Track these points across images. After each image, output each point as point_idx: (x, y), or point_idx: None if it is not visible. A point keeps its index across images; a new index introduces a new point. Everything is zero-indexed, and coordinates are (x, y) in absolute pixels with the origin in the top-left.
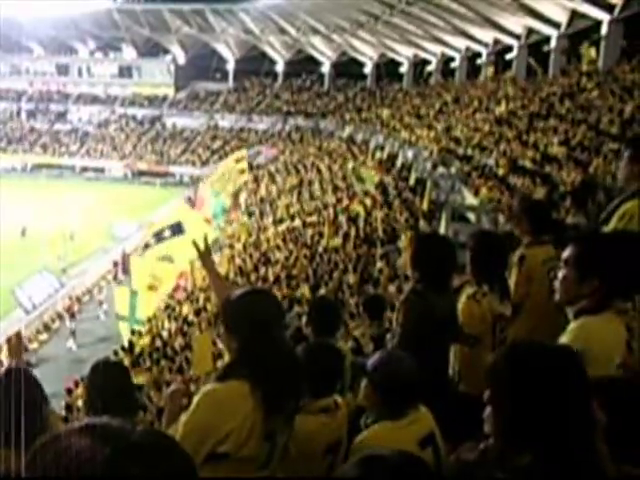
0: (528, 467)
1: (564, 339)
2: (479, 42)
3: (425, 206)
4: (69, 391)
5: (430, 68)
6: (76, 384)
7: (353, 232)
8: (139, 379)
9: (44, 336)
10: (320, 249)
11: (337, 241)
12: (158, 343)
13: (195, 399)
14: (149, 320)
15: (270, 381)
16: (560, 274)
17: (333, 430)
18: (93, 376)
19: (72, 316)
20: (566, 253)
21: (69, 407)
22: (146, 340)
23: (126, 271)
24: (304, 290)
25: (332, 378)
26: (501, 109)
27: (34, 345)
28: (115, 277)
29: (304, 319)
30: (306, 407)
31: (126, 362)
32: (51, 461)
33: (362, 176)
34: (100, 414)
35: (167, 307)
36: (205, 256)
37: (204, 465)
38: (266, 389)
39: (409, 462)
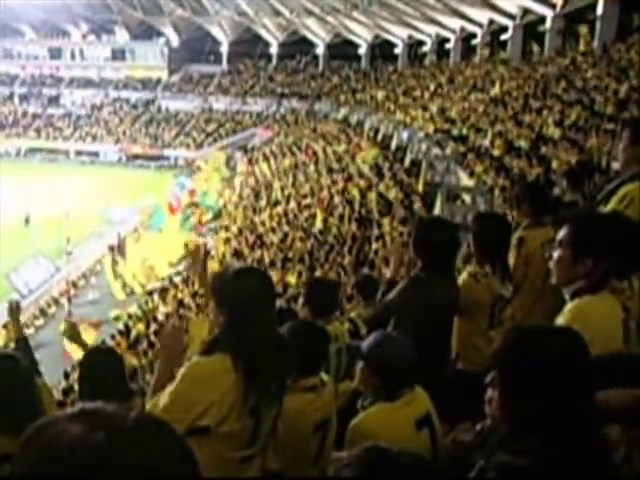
0: (535, 449)
1: (561, 320)
2: (474, 23)
3: (420, 187)
4: (66, 375)
5: (425, 49)
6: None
7: (348, 213)
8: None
9: (40, 321)
10: (315, 231)
11: (331, 221)
12: (154, 326)
13: (180, 371)
14: (146, 302)
15: (251, 359)
16: (555, 255)
17: (320, 408)
18: (85, 363)
19: (68, 300)
20: (561, 234)
21: (66, 392)
22: (141, 325)
23: (123, 254)
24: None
25: (317, 357)
26: (496, 90)
27: (30, 330)
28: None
29: (300, 300)
30: (292, 386)
31: (123, 345)
32: (43, 447)
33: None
34: (92, 400)
35: (163, 290)
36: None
37: (188, 439)
38: (247, 366)
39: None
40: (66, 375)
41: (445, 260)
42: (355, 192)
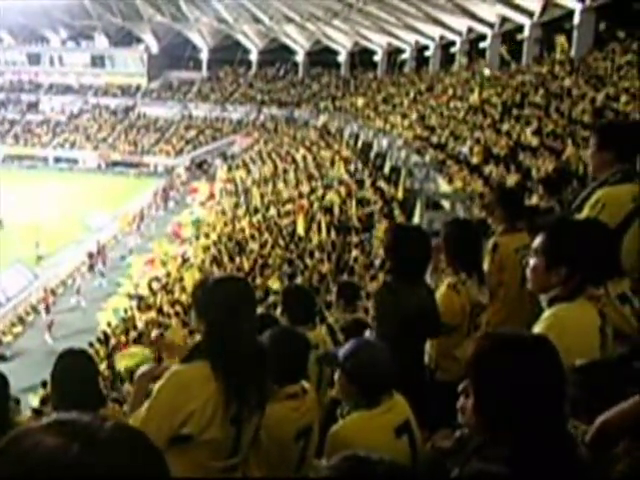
0: (509, 456)
1: (538, 327)
2: (453, 31)
3: (400, 195)
4: (44, 384)
5: (404, 57)
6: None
7: (327, 220)
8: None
9: (19, 329)
10: (295, 238)
11: (302, 228)
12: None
13: (160, 381)
14: (125, 311)
15: (230, 366)
16: (530, 263)
17: (302, 415)
18: (56, 366)
19: (47, 308)
20: (535, 242)
21: (44, 401)
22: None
23: (104, 262)
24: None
25: (298, 365)
26: (475, 97)
27: (8, 338)
28: (90, 268)
29: (279, 308)
30: (273, 394)
31: (101, 353)
32: (18, 459)
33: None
34: (64, 405)
35: (141, 298)
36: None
37: (170, 448)
38: (226, 373)
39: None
40: (44, 384)
41: (415, 266)
42: (335, 198)
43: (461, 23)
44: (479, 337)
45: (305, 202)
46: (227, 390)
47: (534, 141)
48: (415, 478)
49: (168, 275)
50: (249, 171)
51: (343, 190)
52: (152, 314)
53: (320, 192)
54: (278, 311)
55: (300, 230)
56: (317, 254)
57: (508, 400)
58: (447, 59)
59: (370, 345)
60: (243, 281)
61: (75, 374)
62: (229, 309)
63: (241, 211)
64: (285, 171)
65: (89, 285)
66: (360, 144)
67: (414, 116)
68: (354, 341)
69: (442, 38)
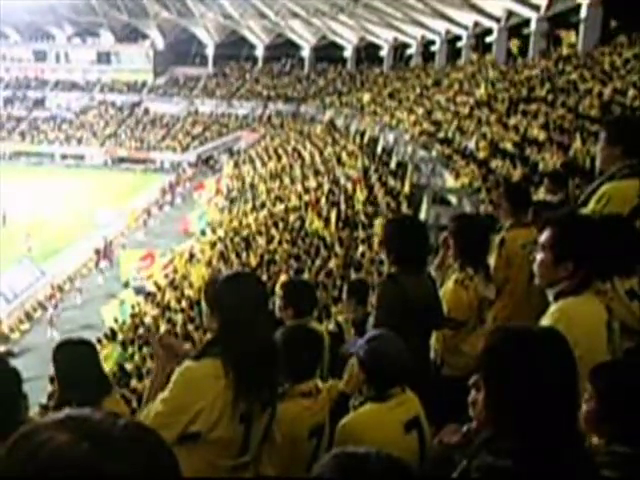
0: (520, 450)
1: (545, 322)
2: (459, 25)
3: (406, 190)
4: (52, 380)
5: (410, 51)
6: None
7: (335, 215)
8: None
9: (26, 325)
10: (302, 233)
11: (319, 224)
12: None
13: (172, 377)
14: (132, 306)
15: (241, 363)
16: (537, 257)
17: (315, 414)
18: (55, 356)
19: (55, 307)
20: (542, 237)
21: (51, 396)
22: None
23: (108, 258)
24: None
25: (312, 362)
26: (481, 92)
27: (16, 334)
28: (97, 264)
29: (278, 303)
30: (287, 392)
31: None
32: (27, 456)
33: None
34: (68, 393)
35: (148, 294)
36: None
37: (180, 446)
38: (237, 370)
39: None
40: (52, 380)
41: (415, 256)
42: (358, 194)
43: (467, 17)
44: (490, 331)
45: (314, 197)
46: (237, 387)
47: (541, 135)
48: (412, 473)
49: (175, 271)
50: (255, 167)
51: (350, 186)
52: (159, 310)
53: (327, 187)
54: (277, 305)
55: (316, 225)
56: (323, 250)
57: (519, 394)
58: (453, 54)
59: (386, 337)
60: (254, 276)
61: (75, 361)
62: (243, 305)
63: (248, 207)
64: (291, 167)
65: (94, 281)
66: (366, 139)
67: (420, 111)
68: (372, 333)
69: (448, 33)
